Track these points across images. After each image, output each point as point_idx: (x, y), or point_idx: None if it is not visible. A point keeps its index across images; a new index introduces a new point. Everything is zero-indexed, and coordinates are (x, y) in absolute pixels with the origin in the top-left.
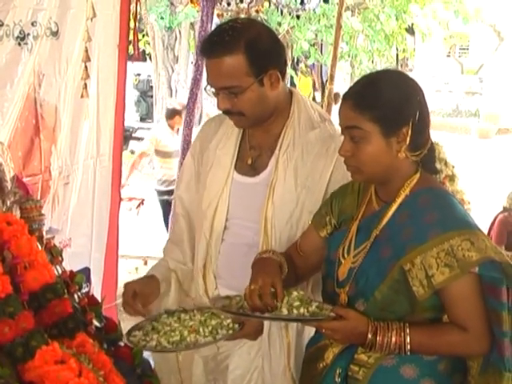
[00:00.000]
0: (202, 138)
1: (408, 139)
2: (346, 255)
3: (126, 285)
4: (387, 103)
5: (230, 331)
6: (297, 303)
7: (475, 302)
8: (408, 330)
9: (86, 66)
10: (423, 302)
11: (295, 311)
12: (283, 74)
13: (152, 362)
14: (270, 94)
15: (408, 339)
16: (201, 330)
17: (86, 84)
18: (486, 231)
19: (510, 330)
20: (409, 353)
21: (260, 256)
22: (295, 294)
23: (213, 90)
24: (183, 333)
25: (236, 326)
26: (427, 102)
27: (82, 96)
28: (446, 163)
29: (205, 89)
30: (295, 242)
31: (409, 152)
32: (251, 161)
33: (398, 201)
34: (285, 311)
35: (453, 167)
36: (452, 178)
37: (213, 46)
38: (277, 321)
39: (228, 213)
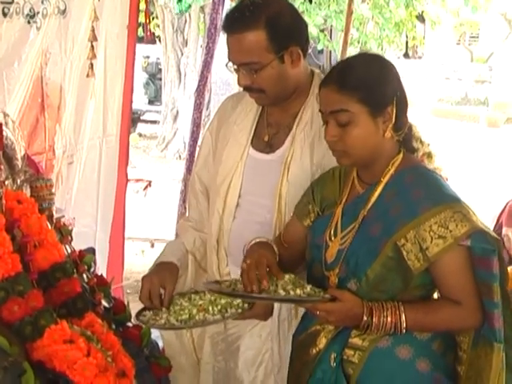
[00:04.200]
0: (220, 114)
1: (393, 118)
2: (332, 238)
3: (147, 278)
4: (372, 83)
5: (240, 310)
6: (290, 286)
7: (467, 275)
8: (402, 308)
9: (92, 46)
10: (416, 277)
11: (292, 292)
12: (305, 51)
13: (161, 344)
14: (290, 72)
15: (403, 317)
16: (210, 308)
17: (92, 64)
18: (495, 218)
19: (500, 301)
20: (404, 331)
21: (254, 241)
22: (287, 277)
23: (234, 66)
24: (192, 311)
25: (245, 305)
26: (402, 82)
27: (87, 75)
28: (421, 141)
29: (226, 65)
30: (278, 234)
31: (393, 132)
32: (268, 138)
33: (384, 180)
34: (282, 292)
35: (428, 145)
36: (430, 155)
37: (233, 21)
38: (271, 301)
39: (241, 189)
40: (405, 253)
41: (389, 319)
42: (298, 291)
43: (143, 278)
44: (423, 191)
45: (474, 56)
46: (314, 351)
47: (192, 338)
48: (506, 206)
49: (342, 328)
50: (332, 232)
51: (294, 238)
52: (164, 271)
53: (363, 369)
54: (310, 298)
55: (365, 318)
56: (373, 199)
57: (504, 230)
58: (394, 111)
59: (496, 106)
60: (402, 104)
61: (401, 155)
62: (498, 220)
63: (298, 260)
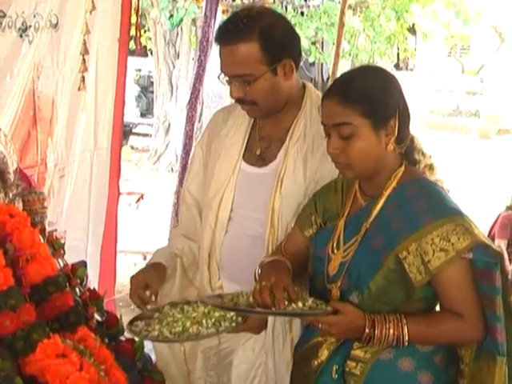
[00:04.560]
0: (210, 128)
1: (396, 131)
2: (335, 251)
3: (134, 277)
4: (374, 96)
5: (233, 324)
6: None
7: (469, 288)
8: (405, 321)
9: (83, 59)
10: (418, 290)
11: (294, 305)
12: (297, 64)
13: (153, 357)
14: (283, 84)
15: (406, 330)
16: (204, 321)
17: (83, 77)
18: (487, 230)
19: (503, 315)
20: (406, 344)
21: (268, 259)
22: None
23: (226, 78)
24: (186, 324)
25: (239, 319)
26: (405, 95)
27: (79, 89)
28: (423, 153)
29: (218, 77)
30: (280, 244)
31: (396, 144)
32: (260, 151)
33: (386, 193)
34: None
35: (430, 157)
36: (431, 167)
37: (227, 33)
38: (273, 315)
39: (233, 203)
40: (406, 265)
41: (391, 331)
42: (300, 304)
43: (131, 278)
44: (425, 204)
45: (465, 68)
46: (316, 363)
47: (184, 348)
48: (497, 218)
49: (344, 340)
50: (334, 245)
51: (296, 248)
52: (151, 270)
53: (365, 381)
54: (312, 312)
55: (367, 331)
56: (375, 212)
57: (496, 242)
58: (397, 124)
59: (487, 118)
60: (405, 117)
61: (403, 168)
62: (490, 232)
63: (300, 271)
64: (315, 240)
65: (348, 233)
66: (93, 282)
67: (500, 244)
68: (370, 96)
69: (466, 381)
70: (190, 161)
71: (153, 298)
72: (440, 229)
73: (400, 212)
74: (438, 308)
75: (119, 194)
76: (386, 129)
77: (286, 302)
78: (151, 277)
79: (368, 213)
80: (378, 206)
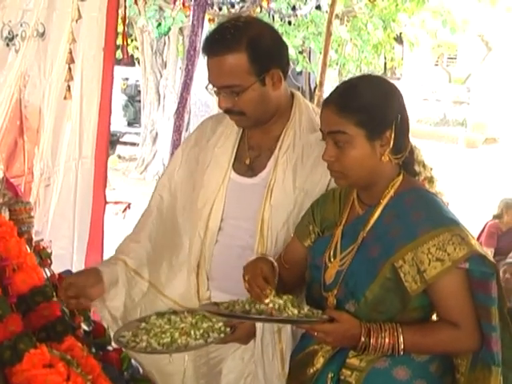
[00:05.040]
0: (197, 134)
1: (391, 142)
2: (332, 259)
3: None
4: (371, 107)
5: (222, 334)
6: (288, 307)
7: (465, 298)
8: (400, 330)
9: (69, 68)
10: (414, 299)
11: (290, 313)
12: (285, 74)
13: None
14: (271, 94)
15: (401, 339)
16: (192, 332)
17: (69, 86)
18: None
19: (498, 325)
20: (402, 352)
21: (251, 258)
22: (285, 298)
23: (214, 88)
24: (174, 335)
25: (228, 329)
26: (406, 106)
27: (65, 98)
28: (424, 165)
29: (206, 88)
30: (279, 255)
31: (392, 155)
32: (249, 161)
33: (384, 202)
34: (280, 313)
35: (431, 169)
36: (431, 180)
37: (214, 44)
38: (269, 322)
39: (223, 213)
40: (402, 274)
41: (387, 340)
42: (296, 311)
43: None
44: (423, 213)
45: (452, 77)
46: (312, 371)
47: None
48: (484, 227)
49: (340, 348)
50: (332, 253)
51: (295, 258)
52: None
53: None
54: (308, 319)
55: (362, 339)
56: (372, 221)
57: None
58: (393, 135)
59: (474, 127)
60: (402, 128)
61: (400, 177)
62: (477, 240)
63: (299, 281)
64: (313, 249)
65: (345, 241)
66: None
67: (487, 253)
68: (367, 106)
69: None
70: (169, 161)
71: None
72: (436, 238)
73: (398, 221)
74: (434, 317)
75: (106, 202)
76: (381, 139)
77: (282, 312)
78: (75, 276)
79: (365, 221)
80: (376, 215)
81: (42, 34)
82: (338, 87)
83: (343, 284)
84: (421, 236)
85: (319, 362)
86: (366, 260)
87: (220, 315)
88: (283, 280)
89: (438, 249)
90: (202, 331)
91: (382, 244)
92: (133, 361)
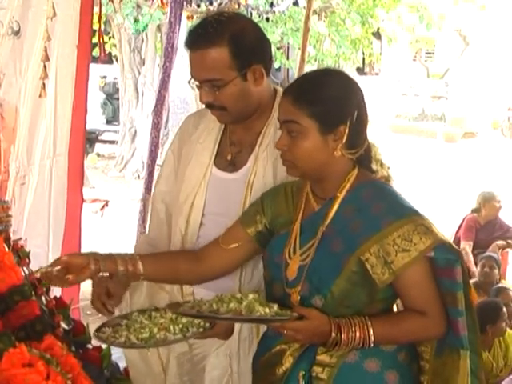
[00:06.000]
0: (181, 133)
1: (345, 138)
2: (292, 255)
3: (97, 284)
4: (327, 101)
5: (201, 329)
6: (257, 305)
7: (431, 286)
8: (370, 323)
9: (44, 66)
10: (380, 291)
11: (262, 312)
12: (268, 70)
13: (122, 365)
14: (253, 90)
15: (371, 332)
16: (171, 327)
17: (44, 84)
18: (453, 233)
19: (464, 309)
20: (372, 345)
21: None
22: (251, 296)
23: (196, 83)
24: (153, 330)
25: (207, 324)
26: (366, 103)
27: (40, 96)
28: (381, 164)
29: (188, 82)
30: (217, 238)
31: (345, 150)
32: (231, 156)
33: (341, 196)
34: (249, 312)
35: (388, 168)
36: (388, 179)
37: (196, 38)
38: (239, 322)
39: (204, 208)
40: (369, 267)
41: (357, 334)
42: (267, 310)
43: (93, 284)
44: (383, 205)
45: (430, 72)
46: (281, 370)
47: (160, 360)
48: (463, 221)
49: (308, 345)
50: (291, 249)
51: (233, 242)
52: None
53: None
54: (279, 317)
55: (333, 335)
56: (331, 215)
57: (462, 244)
58: (347, 131)
59: (453, 122)
60: (359, 125)
61: (356, 170)
62: (456, 234)
63: (232, 265)
64: (270, 247)
65: (304, 237)
66: (56, 289)
67: (465, 246)
68: (322, 100)
69: (427, 377)
70: (157, 166)
71: (111, 304)
72: (401, 229)
73: (358, 214)
74: (394, 308)
75: (82, 201)
76: (334, 134)
77: (251, 311)
78: (114, 284)
79: (323, 216)
80: (334, 209)
81: (17, 32)
82: (298, 78)
83: (307, 280)
84: (384, 228)
85: (288, 361)
86: (329, 254)
87: (188, 316)
88: (214, 263)
89: (404, 239)
90: (181, 326)
91: (343, 238)
92: (113, 358)
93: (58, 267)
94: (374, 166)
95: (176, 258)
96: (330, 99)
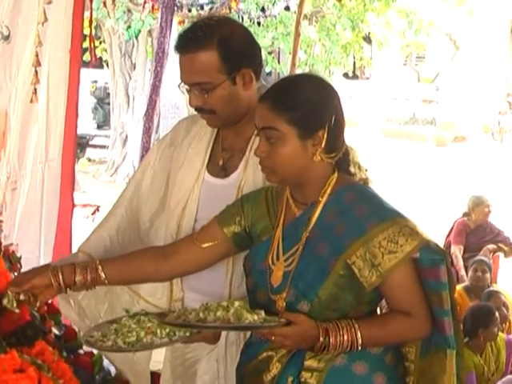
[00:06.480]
0: (173, 134)
1: (324, 142)
2: (275, 262)
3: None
4: (305, 106)
5: (188, 333)
6: (244, 313)
7: (416, 286)
8: (357, 326)
9: (36, 71)
10: (367, 294)
11: (250, 319)
12: (257, 74)
13: (113, 370)
14: (242, 94)
15: (359, 334)
16: (158, 331)
17: (35, 89)
18: (443, 237)
19: (450, 309)
20: (360, 348)
21: None
22: (237, 303)
23: (186, 86)
24: (140, 334)
25: (194, 329)
26: (342, 107)
27: (31, 101)
28: (359, 167)
29: (178, 86)
30: (191, 234)
31: (324, 155)
32: (222, 162)
33: (323, 200)
34: (236, 320)
35: (366, 171)
36: (366, 182)
37: (186, 41)
38: (227, 330)
39: (197, 214)
40: (356, 270)
41: (345, 338)
42: (256, 317)
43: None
44: (366, 208)
45: (421, 76)
46: (269, 377)
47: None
48: (453, 225)
49: (296, 351)
50: (274, 256)
51: (208, 239)
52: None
53: None
54: (267, 324)
55: (321, 339)
56: (314, 219)
57: (452, 249)
58: (326, 136)
59: (443, 126)
60: (337, 129)
61: (336, 174)
62: (446, 238)
63: (203, 263)
64: (252, 254)
65: (287, 242)
66: None
67: (455, 250)
68: (300, 105)
69: (413, 378)
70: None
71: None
72: (386, 232)
73: (341, 218)
74: (378, 310)
75: (74, 205)
76: (313, 139)
77: (239, 319)
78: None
79: (306, 221)
80: (316, 214)
81: (7, 37)
82: (275, 84)
83: (292, 286)
84: (369, 230)
85: (276, 367)
86: (315, 259)
87: (175, 325)
88: (187, 258)
89: (390, 241)
90: (168, 330)
91: (329, 242)
92: (104, 364)
93: (22, 296)
94: (352, 169)
95: (140, 257)
96: (309, 104)
